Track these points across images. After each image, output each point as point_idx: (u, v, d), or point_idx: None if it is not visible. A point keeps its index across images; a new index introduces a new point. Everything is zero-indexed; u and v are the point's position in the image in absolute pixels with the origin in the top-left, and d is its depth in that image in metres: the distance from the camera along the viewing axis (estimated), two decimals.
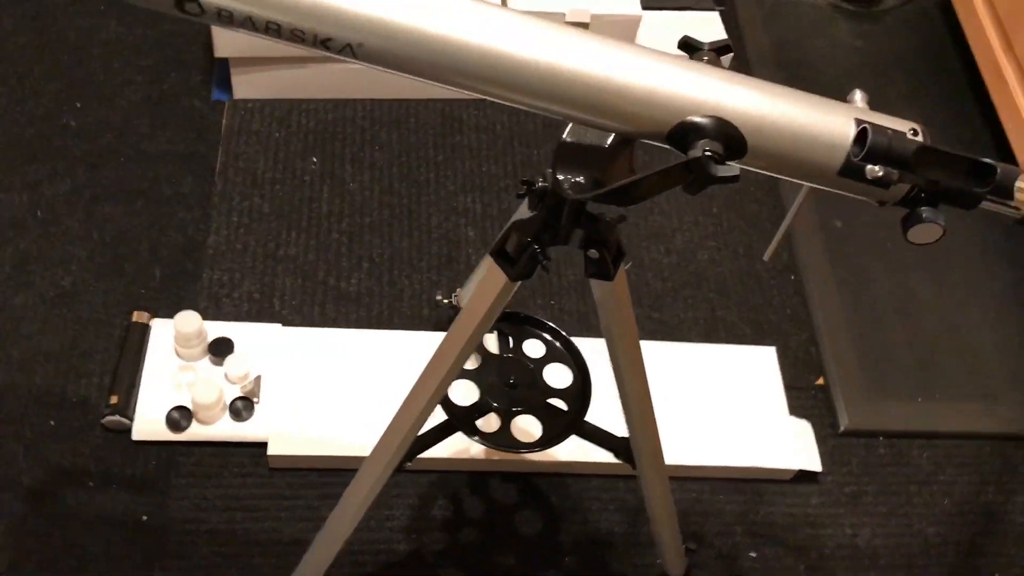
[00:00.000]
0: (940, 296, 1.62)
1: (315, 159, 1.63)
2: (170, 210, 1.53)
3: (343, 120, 1.68)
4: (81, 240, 1.47)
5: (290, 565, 1.22)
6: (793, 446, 1.39)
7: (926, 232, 0.73)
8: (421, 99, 1.72)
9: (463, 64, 0.67)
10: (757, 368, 1.47)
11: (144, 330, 1.37)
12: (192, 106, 1.66)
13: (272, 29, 0.65)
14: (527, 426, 1.05)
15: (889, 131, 0.68)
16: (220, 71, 1.67)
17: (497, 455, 1.32)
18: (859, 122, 0.70)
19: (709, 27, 1.77)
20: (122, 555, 1.22)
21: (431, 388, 0.90)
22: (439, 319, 1.48)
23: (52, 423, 1.31)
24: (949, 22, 1.99)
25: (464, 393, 1.05)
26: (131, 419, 1.30)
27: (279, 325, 1.41)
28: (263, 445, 1.30)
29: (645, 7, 1.74)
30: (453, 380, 0.90)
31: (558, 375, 1.09)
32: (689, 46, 0.76)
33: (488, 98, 0.70)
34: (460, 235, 1.57)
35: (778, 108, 0.70)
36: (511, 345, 1.09)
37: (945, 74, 1.96)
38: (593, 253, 0.82)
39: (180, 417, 1.30)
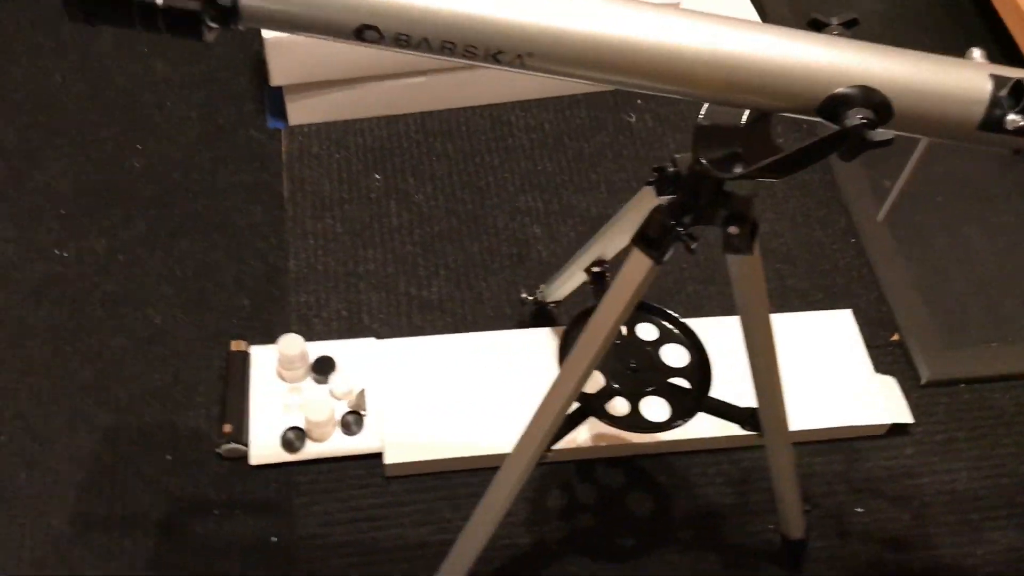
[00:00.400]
0: (995, 242, 1.67)
1: (378, 176, 1.66)
2: (246, 240, 1.56)
3: (398, 135, 1.71)
4: (165, 278, 1.50)
5: (418, 568, 1.26)
6: (882, 401, 1.43)
7: None
8: (468, 107, 1.75)
9: (624, 60, 0.70)
10: (836, 331, 1.51)
11: (244, 358, 1.40)
12: (250, 136, 1.69)
13: (447, 48, 0.68)
14: (654, 407, 1.09)
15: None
16: (273, 99, 1.70)
17: (604, 441, 1.36)
18: (995, 77, 0.74)
19: (737, 7, 1.82)
20: None
21: (576, 376, 0.94)
22: (522, 317, 1.51)
23: (168, 458, 1.34)
24: None
25: (589, 381, 1.09)
26: (247, 445, 1.33)
27: (373, 339, 1.44)
28: (376, 456, 1.33)
29: None
30: (596, 366, 0.94)
31: (674, 355, 1.13)
32: (818, 22, 0.80)
33: (641, 90, 0.74)
34: (527, 233, 1.61)
35: (917, 71, 0.74)
36: (624, 331, 1.13)
37: (966, 28, 2.00)
38: (734, 229, 0.86)
39: (295, 437, 1.33)
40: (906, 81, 0.73)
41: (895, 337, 1.55)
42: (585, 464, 1.38)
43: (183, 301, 1.49)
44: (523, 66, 0.71)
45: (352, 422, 1.35)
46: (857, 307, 1.57)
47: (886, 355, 1.53)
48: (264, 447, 1.33)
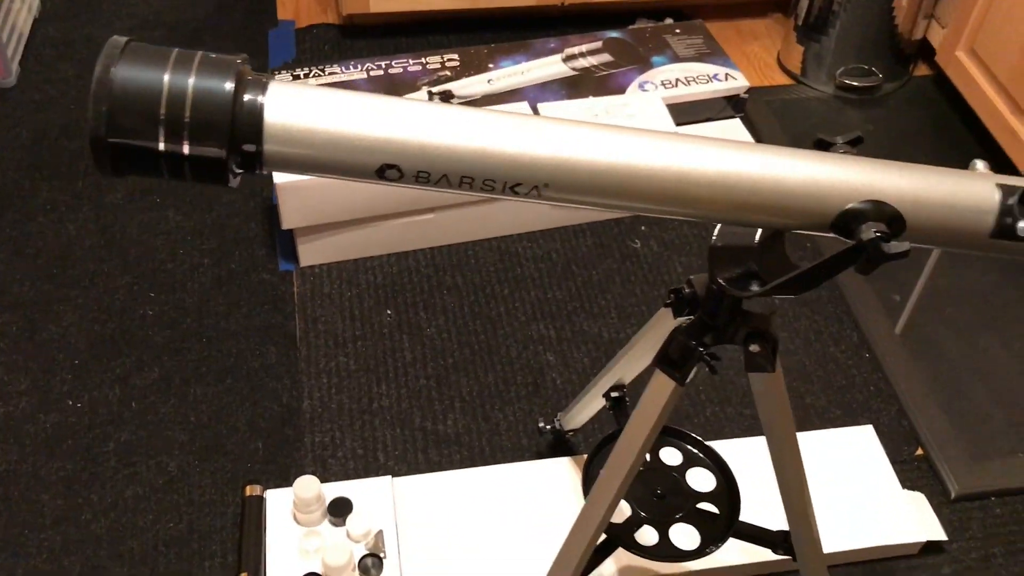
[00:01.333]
0: (1011, 351, 1.66)
1: (389, 311, 1.67)
2: (260, 382, 1.55)
3: (408, 271, 1.73)
4: (179, 424, 1.49)
5: None
6: (914, 519, 1.40)
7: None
8: (476, 240, 1.78)
9: (641, 187, 0.72)
10: (859, 448, 1.48)
11: (260, 503, 1.38)
12: (262, 279, 1.71)
13: (466, 183, 0.70)
14: (683, 534, 1.06)
15: None
16: (284, 242, 1.73)
17: (633, 574, 1.32)
18: (1002, 186, 0.75)
19: (736, 133, 1.87)
20: None
21: (604, 505, 0.92)
22: (540, 447, 1.49)
23: None
24: (947, 94, 2.10)
25: (616, 512, 1.07)
26: None
27: (390, 477, 1.42)
28: None
29: (678, 124, 1.84)
30: (623, 493, 0.92)
31: (701, 479, 1.11)
32: (824, 142, 0.82)
33: (658, 215, 0.75)
34: (541, 362, 1.61)
35: (926, 183, 0.75)
36: (647, 457, 1.11)
37: (956, 144, 2.05)
38: (755, 348, 0.86)
39: None
40: (915, 193, 0.75)
41: (919, 452, 1.52)
42: None
43: (197, 447, 1.47)
44: (540, 196, 0.72)
45: (371, 565, 1.32)
46: (878, 422, 1.55)
47: (912, 470, 1.50)
48: None
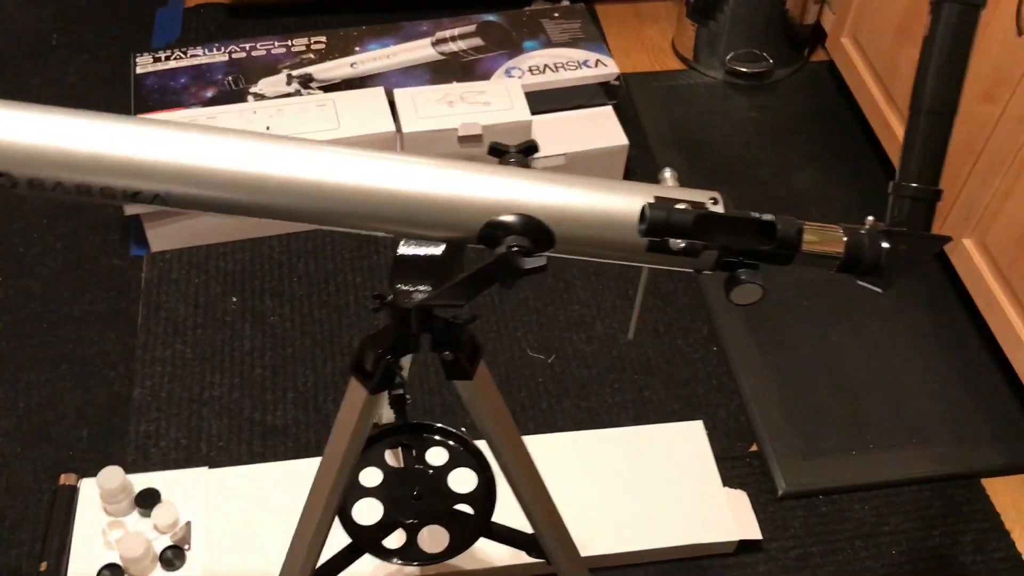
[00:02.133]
0: (862, 347, 1.64)
1: (235, 298, 1.66)
2: (94, 369, 1.55)
3: (260, 258, 1.72)
4: (7, 411, 1.49)
5: None
6: (730, 517, 1.39)
7: (747, 293, 0.76)
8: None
9: (270, 199, 0.70)
10: (686, 444, 1.47)
11: (72, 492, 1.38)
12: (112, 265, 1.70)
13: (83, 191, 0.69)
14: (435, 536, 1.06)
15: (675, 204, 0.71)
16: (136, 227, 1.72)
17: (447, 568, 1.31)
18: (659, 199, 0.73)
19: (603, 121, 1.84)
20: None
21: (316, 515, 0.91)
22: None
23: None
24: (839, 82, 2.06)
25: (369, 512, 1.06)
26: None
27: (205, 468, 1.41)
28: None
29: (538, 111, 1.81)
30: (337, 503, 0.91)
31: (464, 480, 1.10)
32: (497, 150, 0.80)
33: (301, 224, 0.73)
34: None
35: (576, 197, 0.73)
36: (414, 456, 1.10)
37: (842, 132, 2.02)
38: (447, 355, 0.84)
39: (111, 574, 1.30)
40: (562, 207, 0.73)
41: (754, 448, 1.51)
42: None
43: (23, 434, 1.47)
44: (165, 203, 0.71)
45: (173, 557, 1.32)
46: (716, 418, 1.54)
47: (743, 467, 1.49)
48: None
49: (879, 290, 0.79)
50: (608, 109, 1.86)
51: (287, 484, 1.39)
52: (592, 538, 1.35)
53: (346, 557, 1.03)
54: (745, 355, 1.62)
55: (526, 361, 1.60)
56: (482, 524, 1.05)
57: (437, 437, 1.11)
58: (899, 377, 1.60)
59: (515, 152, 0.80)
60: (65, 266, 1.69)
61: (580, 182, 0.75)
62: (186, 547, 1.33)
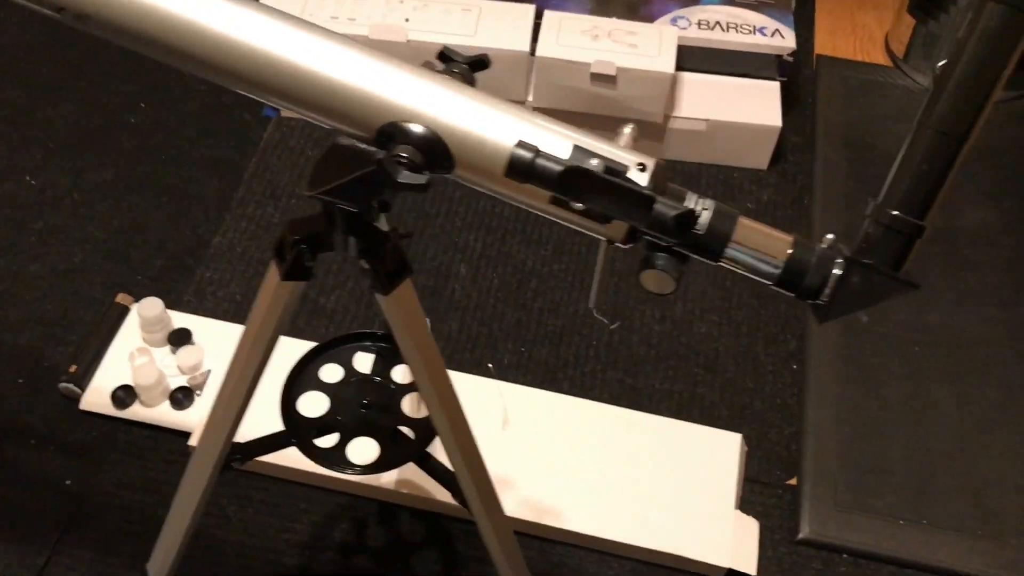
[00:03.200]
0: (963, 413, 1.43)
1: None
2: (189, 209, 1.62)
3: None
4: (103, 224, 1.59)
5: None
6: (728, 541, 1.27)
7: (656, 280, 0.66)
8: None
9: (168, 39, 0.67)
10: (715, 453, 1.35)
11: (123, 311, 1.46)
12: (242, 119, 1.76)
13: None
14: (365, 449, 1.02)
15: (546, 153, 0.62)
16: None
17: (408, 488, 1.29)
18: (520, 143, 0.64)
19: (763, 97, 1.69)
20: (37, 511, 1.29)
21: (230, 391, 0.90)
22: None
23: (20, 381, 1.41)
24: None
25: (314, 405, 1.04)
26: (84, 389, 1.38)
27: (242, 327, 1.45)
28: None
29: (695, 69, 1.69)
30: (251, 383, 0.90)
31: (419, 405, 1.05)
32: (444, 56, 0.73)
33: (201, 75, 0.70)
34: (452, 270, 1.57)
35: (490, 127, 0.66)
36: (380, 367, 1.07)
37: None
38: (364, 264, 0.80)
39: (125, 395, 1.37)
40: (470, 133, 0.66)
41: (792, 481, 1.37)
42: (390, 507, 1.32)
43: (107, 248, 1.57)
44: (86, 27, 0.70)
45: (183, 398, 1.37)
46: (765, 438, 1.40)
47: (771, 496, 1.35)
48: (96, 395, 1.37)
49: (817, 320, 0.67)
50: (774, 85, 1.70)
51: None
52: (575, 512, 1.28)
53: (273, 442, 1.02)
54: (824, 382, 1.46)
55: (588, 320, 1.52)
56: (415, 451, 1.01)
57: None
58: (992, 459, 1.39)
59: (460, 63, 0.72)
60: (201, 109, 1.77)
61: (509, 112, 0.67)
62: (198, 393, 1.38)
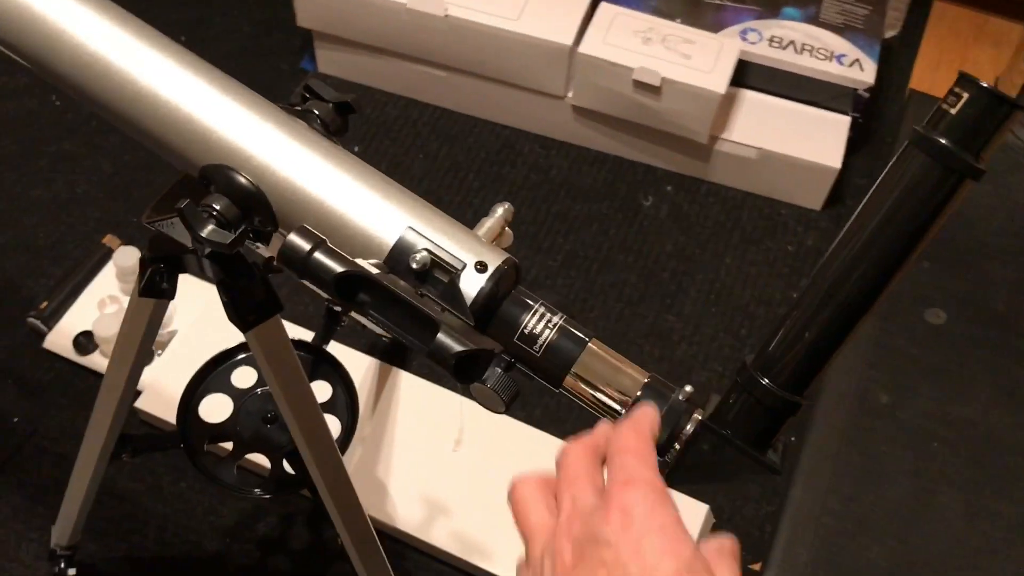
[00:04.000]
0: (970, 528, 1.27)
1: (357, 148, 1.60)
2: None
3: (405, 120, 1.64)
4: (113, 157, 1.56)
5: (113, 512, 1.23)
6: None
7: (485, 396, 0.56)
8: (486, 119, 1.63)
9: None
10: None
11: (107, 254, 1.42)
12: (277, 68, 1.70)
13: None
14: (261, 466, 0.96)
15: (331, 248, 0.53)
16: (312, 42, 1.69)
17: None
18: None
19: (828, 132, 1.52)
20: None
21: (104, 401, 0.85)
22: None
23: None
24: None
25: (218, 409, 0.98)
26: (50, 328, 1.35)
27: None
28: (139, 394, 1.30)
29: (757, 88, 1.53)
30: (121, 396, 0.84)
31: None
32: (308, 92, 0.64)
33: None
34: None
35: (326, 194, 0.56)
36: (313, 378, 1.00)
37: None
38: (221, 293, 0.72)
39: (87, 342, 1.34)
40: (308, 200, 0.57)
41: (756, 566, 1.25)
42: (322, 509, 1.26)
43: (111, 184, 1.53)
44: None
45: None
46: (740, 513, 1.28)
47: None
48: (59, 336, 1.35)
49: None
50: (843, 120, 1.53)
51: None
52: (508, 558, 1.19)
53: (164, 440, 0.97)
54: (820, 463, 1.32)
55: None
56: (291, 485, 0.93)
57: (334, 371, 0.99)
58: None
59: (323, 103, 0.63)
60: (240, 51, 1.71)
61: (351, 175, 0.57)
62: (158, 352, 1.34)
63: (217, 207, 0.56)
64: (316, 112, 0.63)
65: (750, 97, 1.53)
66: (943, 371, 1.41)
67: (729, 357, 1.41)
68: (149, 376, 1.31)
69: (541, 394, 1.36)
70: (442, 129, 1.63)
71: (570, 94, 1.54)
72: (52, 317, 1.36)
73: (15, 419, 1.31)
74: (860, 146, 1.61)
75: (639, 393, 0.54)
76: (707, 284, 1.48)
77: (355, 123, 1.58)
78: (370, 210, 0.56)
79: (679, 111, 1.45)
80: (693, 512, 1.25)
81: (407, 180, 1.55)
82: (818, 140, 1.50)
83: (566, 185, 1.58)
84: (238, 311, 0.71)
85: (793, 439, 1.35)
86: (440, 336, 0.51)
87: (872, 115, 1.66)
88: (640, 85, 1.44)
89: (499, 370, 0.55)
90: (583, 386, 0.55)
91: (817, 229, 1.55)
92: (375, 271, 0.53)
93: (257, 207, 0.57)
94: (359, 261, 0.53)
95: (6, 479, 1.26)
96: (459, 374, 0.52)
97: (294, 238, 0.52)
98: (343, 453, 0.96)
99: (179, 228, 0.61)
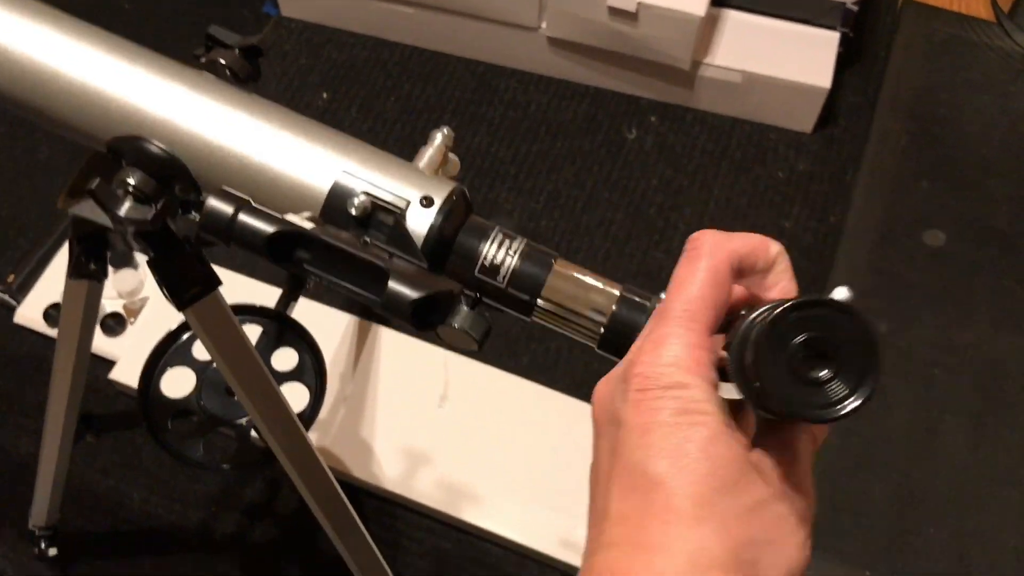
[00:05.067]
0: (974, 456, 1.24)
1: (326, 94, 1.54)
2: None
3: (374, 61, 1.57)
4: None
5: (87, 490, 1.21)
6: None
7: (455, 337, 0.51)
8: (463, 57, 1.56)
9: None
10: None
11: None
12: (240, 15, 1.63)
13: None
14: (228, 440, 0.93)
15: (259, 209, 0.48)
16: None
17: (326, 457, 1.20)
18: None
19: (817, 50, 1.45)
20: None
21: (57, 384, 0.81)
22: None
23: None
24: None
25: (180, 383, 0.94)
26: (19, 302, 1.32)
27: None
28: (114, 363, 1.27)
29: (739, 7, 1.46)
30: (72, 377, 0.80)
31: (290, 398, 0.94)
32: (210, 41, 0.58)
33: None
34: None
35: (247, 148, 0.52)
36: (262, 347, 0.96)
37: None
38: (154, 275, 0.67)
39: (57, 314, 1.30)
40: (226, 159, 0.51)
41: None
42: None
43: (76, 149, 1.47)
44: None
45: (114, 324, 1.29)
46: None
47: None
48: (29, 310, 1.31)
49: None
50: (831, 37, 1.46)
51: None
52: (496, 510, 1.17)
53: (126, 419, 0.93)
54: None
55: None
56: (259, 459, 0.90)
57: (300, 340, 0.95)
58: (992, 515, 1.20)
59: (228, 51, 0.57)
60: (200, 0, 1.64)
61: (271, 124, 0.52)
62: (131, 320, 1.30)
63: (132, 182, 0.51)
64: (222, 61, 0.57)
65: (733, 17, 1.45)
66: (943, 296, 1.36)
67: None
68: (122, 345, 1.28)
69: (528, 341, 1.32)
70: (414, 69, 1.57)
71: (544, 24, 1.46)
72: (21, 290, 1.32)
73: None
74: (851, 63, 1.54)
75: (614, 308, 0.49)
76: (696, 217, 1.42)
77: (323, 67, 1.53)
78: (296, 159, 0.51)
79: (658, 37, 1.38)
80: None
81: (380, 124, 1.50)
82: (806, 59, 1.43)
83: (546, 121, 1.51)
84: (172, 290, 0.67)
85: None
86: (391, 285, 0.46)
87: (863, 29, 1.58)
88: (615, 11, 1.36)
89: (465, 308, 0.50)
90: (554, 311, 0.50)
91: (809, 153, 1.49)
92: (309, 225, 0.49)
93: (176, 175, 0.52)
94: (290, 217, 0.49)
95: None
96: (418, 322, 0.47)
97: (213, 202, 0.47)
98: (313, 420, 0.93)
99: (97, 209, 0.56)
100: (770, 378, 0.36)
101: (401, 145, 1.48)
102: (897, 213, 1.44)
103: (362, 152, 0.52)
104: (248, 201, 0.48)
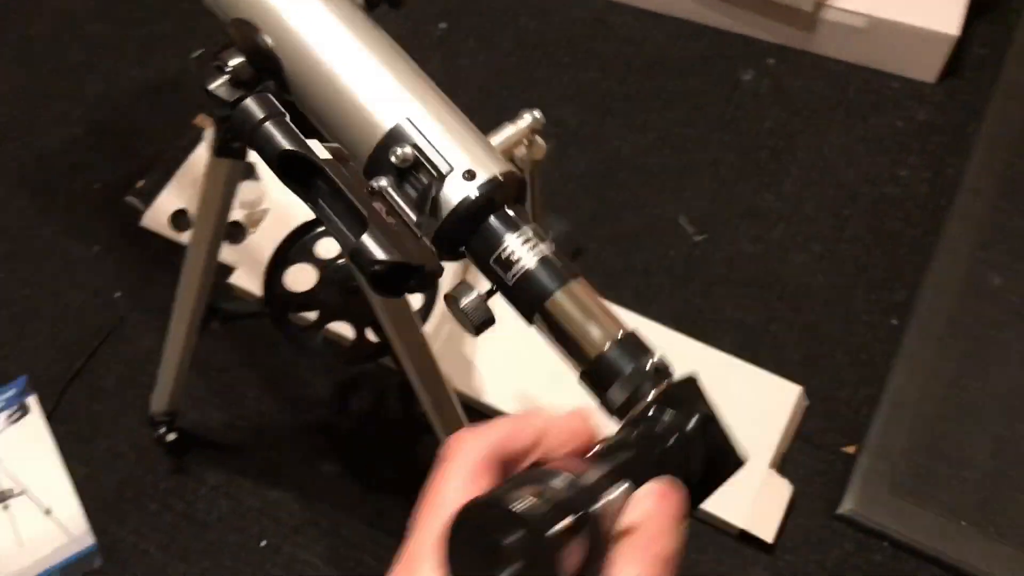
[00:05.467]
0: None
1: (443, 24, 1.56)
2: None
3: None
4: (205, 39, 1.55)
5: (204, 386, 1.27)
6: (749, 500, 1.15)
7: (457, 316, 0.51)
8: None
9: None
10: (766, 403, 1.21)
11: (199, 133, 1.44)
12: None
13: None
14: (345, 335, 0.97)
15: (282, 122, 0.48)
16: None
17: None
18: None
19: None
20: (84, 316, 1.33)
21: (190, 265, 0.87)
22: None
23: (96, 186, 1.44)
24: None
25: (302, 278, 0.99)
26: (147, 207, 1.39)
27: None
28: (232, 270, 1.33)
29: None
30: (207, 258, 0.85)
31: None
32: None
33: None
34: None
35: (349, 75, 0.53)
36: None
37: None
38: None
39: (182, 220, 1.36)
40: (315, 73, 0.54)
41: (850, 449, 1.21)
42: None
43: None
44: None
45: (235, 231, 1.35)
46: (835, 396, 1.25)
47: (820, 461, 1.21)
48: (156, 215, 1.38)
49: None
50: None
51: None
52: None
53: (250, 310, 0.98)
54: (923, 346, 1.26)
55: (671, 225, 1.37)
56: (375, 353, 0.94)
57: None
58: None
59: None
60: None
61: (373, 54, 0.54)
62: (252, 230, 1.36)
63: (231, 63, 0.54)
64: None
65: None
66: None
67: (829, 238, 1.35)
68: (241, 253, 1.33)
69: (633, 274, 1.33)
70: (532, 3, 1.58)
71: None
72: (149, 196, 1.39)
73: (117, 294, 1.35)
74: (982, 11, 1.49)
75: (606, 347, 0.48)
76: (808, 163, 1.41)
77: None
78: (377, 92, 0.52)
79: None
80: (785, 393, 1.22)
81: (495, 56, 1.52)
82: (934, 4, 1.40)
83: (660, 59, 1.51)
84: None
85: (895, 322, 1.29)
86: (364, 238, 0.45)
87: None
88: None
89: (476, 293, 0.50)
90: (552, 325, 0.49)
91: (931, 103, 1.46)
92: (326, 156, 0.47)
93: (273, 71, 0.54)
94: (314, 143, 0.48)
95: (112, 349, 1.31)
96: (377, 283, 0.46)
97: (249, 103, 0.47)
98: (424, 322, 0.96)
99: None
100: None
101: (513, 79, 1.50)
102: (1018, 169, 1.40)
103: (436, 107, 0.52)
104: (284, 114, 0.48)
